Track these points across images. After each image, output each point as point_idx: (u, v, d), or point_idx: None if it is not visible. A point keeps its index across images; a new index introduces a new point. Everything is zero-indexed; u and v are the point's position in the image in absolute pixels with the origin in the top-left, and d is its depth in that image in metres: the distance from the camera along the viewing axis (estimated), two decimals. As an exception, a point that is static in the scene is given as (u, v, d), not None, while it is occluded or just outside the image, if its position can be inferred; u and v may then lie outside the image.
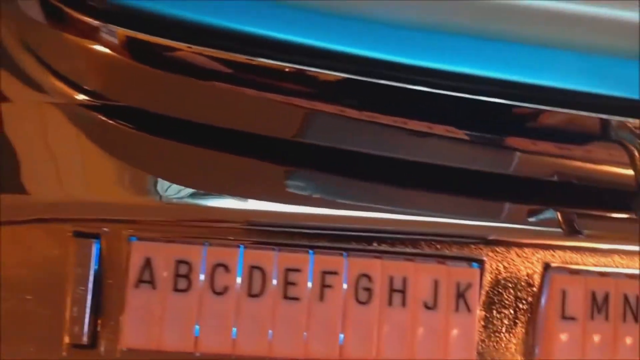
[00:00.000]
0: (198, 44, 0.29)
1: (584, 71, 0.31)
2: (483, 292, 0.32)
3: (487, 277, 0.32)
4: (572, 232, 0.32)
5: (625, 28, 0.31)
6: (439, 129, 0.31)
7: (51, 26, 0.31)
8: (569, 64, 0.31)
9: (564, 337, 0.32)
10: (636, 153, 0.30)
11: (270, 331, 0.30)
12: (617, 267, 0.33)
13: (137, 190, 0.31)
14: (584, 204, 0.33)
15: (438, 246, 0.32)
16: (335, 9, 0.30)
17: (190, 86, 0.30)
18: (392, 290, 0.31)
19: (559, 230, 0.32)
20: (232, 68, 0.29)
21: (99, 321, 0.30)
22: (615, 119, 0.30)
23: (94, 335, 0.30)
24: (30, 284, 0.30)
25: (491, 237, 0.32)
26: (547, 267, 0.32)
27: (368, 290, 0.31)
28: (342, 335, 0.30)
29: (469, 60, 0.30)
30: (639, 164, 0.30)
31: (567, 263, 0.32)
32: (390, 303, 0.31)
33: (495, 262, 0.32)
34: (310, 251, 0.31)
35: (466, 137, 0.31)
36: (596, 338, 0.32)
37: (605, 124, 0.30)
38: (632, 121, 0.30)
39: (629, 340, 0.32)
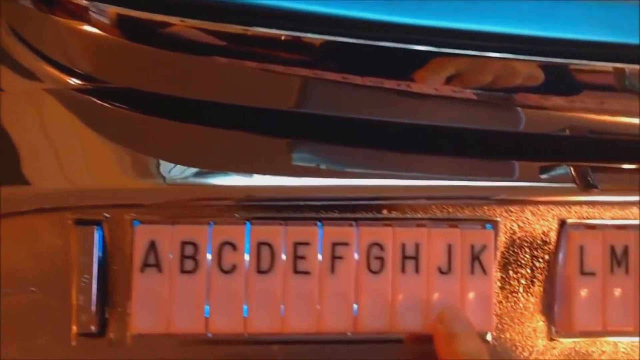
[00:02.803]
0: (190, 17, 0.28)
1: (588, 19, 0.30)
2: (498, 253, 0.31)
3: (502, 238, 0.31)
4: (587, 186, 0.31)
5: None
6: (445, 90, 0.29)
7: (39, 10, 0.29)
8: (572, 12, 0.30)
9: (583, 292, 0.31)
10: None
11: (282, 307, 0.29)
12: (635, 219, 0.32)
13: (137, 173, 0.30)
14: (598, 157, 0.32)
15: (450, 209, 0.31)
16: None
17: (185, 62, 0.29)
18: (404, 257, 0.30)
19: (574, 185, 0.31)
20: (228, 40, 0.28)
21: (107, 309, 0.29)
22: (629, 67, 0.29)
23: (102, 323, 0.29)
24: (34, 276, 0.29)
25: (504, 197, 0.31)
26: (563, 223, 0.31)
27: (380, 259, 0.30)
28: (355, 307, 0.30)
29: (471, 15, 0.29)
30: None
31: (583, 218, 0.32)
32: (403, 270, 0.30)
33: (510, 222, 0.31)
34: (319, 223, 0.30)
35: (473, 97, 0.30)
36: (617, 292, 0.31)
37: (618, 73, 0.29)
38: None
39: (651, 293, 0.31)
